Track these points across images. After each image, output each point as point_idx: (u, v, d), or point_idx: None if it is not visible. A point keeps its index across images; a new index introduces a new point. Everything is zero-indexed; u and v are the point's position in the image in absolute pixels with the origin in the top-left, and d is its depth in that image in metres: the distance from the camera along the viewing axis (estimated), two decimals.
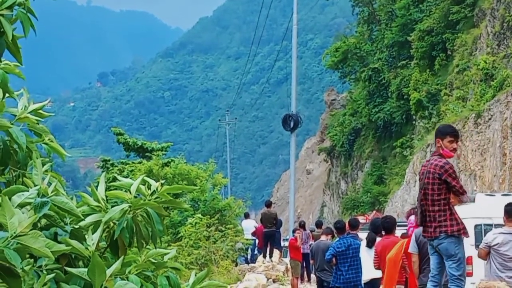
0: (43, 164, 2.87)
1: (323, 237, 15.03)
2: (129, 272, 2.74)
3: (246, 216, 26.76)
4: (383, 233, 10.87)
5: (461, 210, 11.70)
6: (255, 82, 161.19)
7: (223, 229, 22.82)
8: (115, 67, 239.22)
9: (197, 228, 22.26)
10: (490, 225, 12.23)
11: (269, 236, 21.49)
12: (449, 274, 7.69)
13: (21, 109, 3.04)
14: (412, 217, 10.41)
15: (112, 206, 2.81)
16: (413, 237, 9.28)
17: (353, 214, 36.33)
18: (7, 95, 2.92)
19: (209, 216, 23.57)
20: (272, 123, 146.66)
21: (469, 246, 11.73)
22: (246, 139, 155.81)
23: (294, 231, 21.99)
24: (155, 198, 2.87)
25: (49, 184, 2.77)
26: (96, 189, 2.88)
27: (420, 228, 8.22)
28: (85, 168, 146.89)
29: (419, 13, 39.53)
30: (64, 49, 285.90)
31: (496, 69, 26.86)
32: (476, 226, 12.83)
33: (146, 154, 32.88)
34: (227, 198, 30.51)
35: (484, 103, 25.37)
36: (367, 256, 11.44)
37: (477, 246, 11.32)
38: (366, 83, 44.55)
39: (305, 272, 21.95)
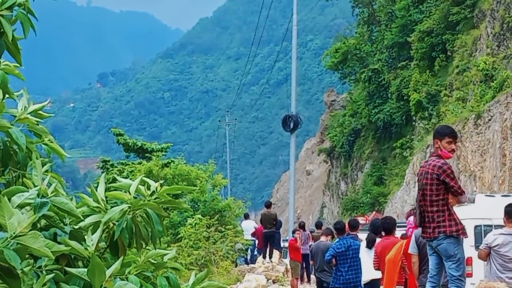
0: (43, 165, 2.87)
1: (323, 238, 15.03)
2: (129, 273, 2.74)
3: (246, 216, 26.76)
4: (383, 234, 10.87)
5: (461, 211, 11.73)
6: (255, 82, 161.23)
7: (223, 229, 22.82)
8: (115, 67, 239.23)
9: (196, 228, 22.26)
10: (490, 226, 12.24)
11: (269, 237, 21.49)
12: (449, 275, 7.69)
13: (21, 109, 3.04)
14: (411, 218, 10.42)
15: (112, 207, 2.81)
16: (413, 238, 9.28)
17: (353, 215, 36.34)
18: (7, 95, 2.92)
19: (209, 217, 23.56)
20: (272, 124, 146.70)
21: (468, 247, 11.75)
22: (246, 140, 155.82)
23: (294, 232, 22.00)
24: (155, 199, 2.87)
25: (49, 184, 2.77)
26: (96, 190, 2.88)
27: (420, 229, 8.23)
28: (85, 169, 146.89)
29: (419, 14, 39.54)
30: (64, 49, 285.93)
31: (496, 70, 26.87)
32: (476, 227, 12.84)
33: (146, 154, 32.87)
34: (227, 199, 30.52)
35: (484, 104, 25.38)
36: (367, 257, 11.44)
37: (477, 247, 11.33)
38: (366, 84, 44.56)
39: (304, 273, 21.96)
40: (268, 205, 22.25)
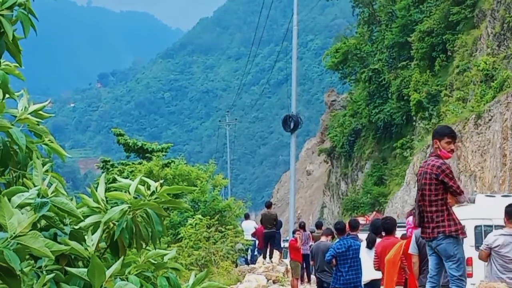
0: (43, 165, 2.87)
1: (323, 238, 15.03)
2: (129, 273, 2.74)
3: (246, 217, 26.77)
4: (383, 234, 10.87)
5: (461, 211, 11.74)
6: (255, 83, 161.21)
7: (223, 230, 22.83)
8: (115, 67, 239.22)
9: (197, 229, 22.26)
10: (490, 226, 12.23)
11: (269, 237, 21.48)
12: (449, 275, 7.69)
13: (21, 110, 3.04)
14: (410, 218, 10.41)
15: (112, 207, 2.81)
16: (413, 238, 9.28)
17: (353, 215, 36.35)
18: (7, 96, 2.92)
19: (209, 217, 23.57)
20: (272, 124, 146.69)
21: (469, 247, 11.75)
22: (246, 140, 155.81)
23: (294, 232, 21.99)
24: (155, 199, 2.87)
25: (50, 184, 2.77)
26: (96, 190, 2.88)
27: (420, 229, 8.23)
28: (85, 169, 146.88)
29: (419, 14, 39.54)
30: (64, 49, 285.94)
31: (496, 70, 26.87)
32: (476, 227, 12.84)
33: (146, 155, 32.87)
34: (227, 199, 30.52)
35: (484, 104, 25.37)
36: (367, 257, 11.43)
37: (477, 247, 11.33)
38: (366, 84, 44.56)
39: (305, 273, 21.95)
40: (269, 205, 22.25)
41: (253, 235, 24.56)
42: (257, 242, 24.41)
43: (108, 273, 2.54)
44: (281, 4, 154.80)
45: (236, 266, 22.73)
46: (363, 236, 12.94)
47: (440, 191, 7.69)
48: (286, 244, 24.66)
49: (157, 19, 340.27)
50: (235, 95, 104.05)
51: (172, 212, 24.92)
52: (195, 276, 2.93)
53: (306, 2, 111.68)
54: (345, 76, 50.19)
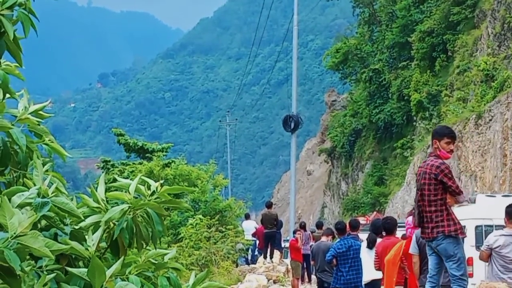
0: (44, 165, 2.87)
1: (323, 238, 15.03)
2: (129, 273, 2.74)
3: (247, 217, 26.78)
4: (384, 234, 10.87)
5: (462, 211, 11.74)
6: (255, 83, 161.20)
7: (224, 230, 22.84)
8: (116, 68, 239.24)
9: (197, 229, 22.27)
10: (491, 226, 12.24)
11: (269, 237, 21.49)
12: (450, 275, 7.69)
13: (22, 110, 3.04)
14: (410, 218, 10.41)
15: (113, 207, 2.81)
16: (413, 238, 9.28)
17: (353, 215, 36.35)
18: (7, 95, 2.92)
19: (209, 217, 23.58)
20: (273, 124, 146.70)
21: (469, 247, 11.75)
22: (246, 140, 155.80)
23: (294, 232, 21.99)
24: (155, 199, 2.87)
25: (50, 184, 2.78)
26: (96, 190, 2.88)
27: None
28: (86, 169, 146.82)
29: (419, 14, 39.54)
30: (65, 49, 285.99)
31: (497, 70, 26.86)
32: (476, 227, 12.84)
33: (147, 155, 32.85)
34: (227, 199, 30.54)
35: (484, 104, 25.37)
36: (367, 257, 11.43)
37: (477, 247, 11.33)
38: (366, 84, 44.56)
39: (305, 273, 21.94)
40: (269, 205, 22.26)
41: (254, 235, 24.56)
42: (257, 242, 24.41)
43: (109, 273, 2.54)
44: (281, 5, 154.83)
45: (237, 266, 22.75)
46: (363, 236, 12.94)
47: (439, 191, 7.70)
48: (287, 244, 24.67)
49: (157, 19, 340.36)
50: (235, 95, 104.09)
51: (173, 212, 24.92)
52: (196, 276, 2.93)
53: (307, 2, 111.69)
54: (346, 76, 50.18)
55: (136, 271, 2.78)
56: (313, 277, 19.99)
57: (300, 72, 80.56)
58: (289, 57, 42.87)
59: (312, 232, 23.04)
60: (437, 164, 7.70)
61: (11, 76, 2.91)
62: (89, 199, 2.87)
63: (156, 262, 2.90)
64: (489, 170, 23.90)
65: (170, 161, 31.37)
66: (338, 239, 12.97)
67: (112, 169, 31.79)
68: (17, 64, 2.96)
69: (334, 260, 12.25)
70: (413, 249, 9.26)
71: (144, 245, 2.86)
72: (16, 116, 3.01)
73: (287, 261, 22.85)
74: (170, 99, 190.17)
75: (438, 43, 35.78)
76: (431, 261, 7.93)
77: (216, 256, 21.18)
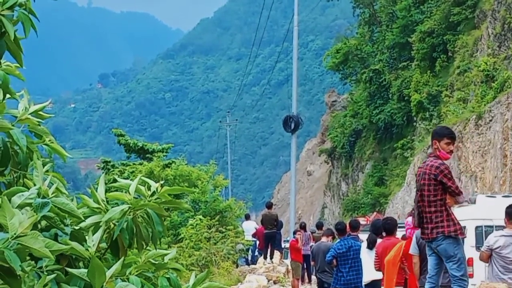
0: (44, 165, 2.87)
1: (323, 239, 15.02)
2: (130, 273, 2.74)
3: (247, 217, 26.78)
4: (384, 234, 10.87)
5: (462, 212, 11.74)
6: (256, 83, 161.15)
7: (224, 230, 22.84)
8: (116, 68, 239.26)
9: (197, 229, 22.27)
10: (491, 226, 12.23)
11: (269, 238, 21.49)
12: (451, 275, 7.69)
13: (22, 110, 3.04)
14: (410, 219, 10.41)
15: (113, 208, 2.81)
16: (414, 239, 9.28)
17: (353, 215, 36.34)
18: (7, 96, 2.92)
19: (209, 218, 23.58)
20: (273, 124, 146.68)
21: (469, 247, 11.75)
22: (246, 141, 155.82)
23: (294, 233, 21.99)
24: (155, 199, 2.87)
25: (51, 184, 2.78)
26: (96, 191, 2.88)
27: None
28: (86, 170, 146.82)
29: (420, 14, 39.54)
30: (65, 50, 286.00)
31: (497, 70, 26.86)
32: (477, 227, 12.84)
33: (147, 155, 32.84)
34: (228, 200, 30.54)
35: (484, 105, 25.37)
36: (367, 258, 11.42)
37: (477, 248, 11.33)
38: (367, 85, 44.56)
39: (305, 274, 21.93)
40: (269, 205, 22.26)
41: (254, 235, 24.56)
42: (257, 242, 24.41)
43: (109, 273, 2.54)
44: (281, 5, 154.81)
45: (237, 266, 22.75)
46: (363, 236, 12.94)
47: (439, 192, 7.70)
48: (287, 245, 24.66)
49: (157, 19, 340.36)
50: (235, 95, 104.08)
51: (173, 212, 24.92)
52: (196, 276, 2.93)
53: (307, 3, 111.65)
54: (346, 76, 50.17)
55: (137, 271, 2.78)
56: (313, 277, 19.98)
57: (301, 72, 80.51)
58: (289, 58, 42.91)
59: (312, 233, 23.03)
60: (437, 165, 7.70)
61: (11, 77, 2.91)
62: (89, 199, 2.87)
63: (156, 262, 2.90)
64: (489, 171, 23.90)
65: (170, 162, 31.37)
66: (338, 240, 12.97)
67: (112, 169, 31.79)
68: (17, 65, 2.97)
69: (334, 261, 12.25)
70: (413, 249, 9.26)
71: (144, 246, 2.86)
72: (16, 117, 3.01)
73: (287, 261, 22.85)
74: (170, 99, 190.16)
75: (439, 43, 35.79)
76: (431, 261, 7.93)
77: (216, 256, 21.18)
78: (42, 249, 2.40)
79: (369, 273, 11.46)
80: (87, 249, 2.67)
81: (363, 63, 46.74)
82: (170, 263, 2.95)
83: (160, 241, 2.90)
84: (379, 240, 11.04)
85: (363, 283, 11.93)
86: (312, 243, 20.27)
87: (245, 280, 18.41)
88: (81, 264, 2.70)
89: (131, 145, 33.56)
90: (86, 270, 2.54)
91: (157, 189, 2.89)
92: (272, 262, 21.54)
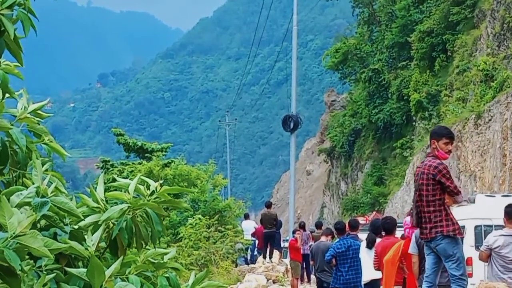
0: (43, 164, 2.87)
1: (323, 238, 15.02)
2: (129, 273, 2.74)
3: (246, 217, 26.77)
4: (383, 234, 10.87)
5: (461, 211, 11.74)
6: (255, 83, 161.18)
7: (223, 229, 22.84)
8: (115, 68, 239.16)
9: (197, 228, 22.27)
10: (490, 226, 12.23)
11: (269, 237, 21.49)
12: (450, 275, 7.70)
13: (21, 109, 3.04)
14: (408, 218, 10.42)
15: (112, 207, 2.81)
16: (413, 238, 9.28)
17: (353, 215, 36.34)
18: (7, 95, 2.92)
19: (208, 217, 23.57)
20: (272, 124, 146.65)
21: (468, 247, 11.75)
22: (246, 140, 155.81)
23: (294, 232, 22.00)
24: (155, 198, 2.87)
25: (50, 183, 2.77)
26: (95, 190, 2.88)
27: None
28: (85, 169, 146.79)
29: (419, 14, 39.55)
30: (64, 49, 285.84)
31: (496, 70, 26.86)
32: (476, 227, 12.83)
33: (146, 155, 32.86)
34: (227, 199, 30.54)
35: (484, 104, 25.37)
36: (367, 257, 11.43)
37: (477, 247, 11.33)
38: (366, 84, 44.56)
39: (305, 273, 21.95)
40: (268, 205, 22.26)
41: (253, 235, 24.56)
42: (257, 242, 24.41)
43: (108, 273, 2.54)
44: (281, 5, 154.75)
45: (236, 266, 22.74)
46: (363, 236, 12.94)
47: (437, 192, 7.70)
48: (286, 244, 24.66)
49: (157, 19, 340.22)
50: (235, 95, 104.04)
51: (172, 211, 24.92)
52: (195, 275, 2.93)
53: (306, 2, 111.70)
54: (345, 76, 50.19)
55: (136, 271, 2.78)
56: (313, 277, 20.01)
57: (300, 72, 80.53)
58: (288, 57, 42.91)
59: (311, 232, 23.04)
60: (435, 165, 7.70)
61: (10, 76, 2.91)
62: (88, 199, 2.87)
63: (156, 262, 2.90)
64: (488, 170, 23.91)
65: (170, 161, 31.38)
66: (338, 239, 12.97)
67: (111, 169, 31.80)
68: (16, 64, 2.96)
69: (334, 260, 12.25)
70: (412, 249, 9.26)
71: (144, 245, 2.86)
72: (15, 116, 3.01)
73: (287, 261, 22.85)
74: (169, 99, 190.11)
75: (438, 43, 35.79)
76: (429, 260, 7.94)
77: (216, 256, 21.19)
78: (41, 248, 2.40)
79: (368, 273, 11.47)
80: (86, 249, 2.66)
81: (362, 62, 46.75)
82: (170, 263, 2.95)
83: (159, 241, 2.90)
84: (378, 240, 11.05)
85: (362, 283, 11.93)
86: (311, 243, 20.27)
87: (244, 279, 18.42)
88: (80, 263, 2.70)
89: (130, 144, 33.57)
90: (85, 270, 2.54)
91: (156, 188, 2.89)
92: (271, 262, 21.53)
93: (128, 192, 2.85)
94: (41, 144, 3.12)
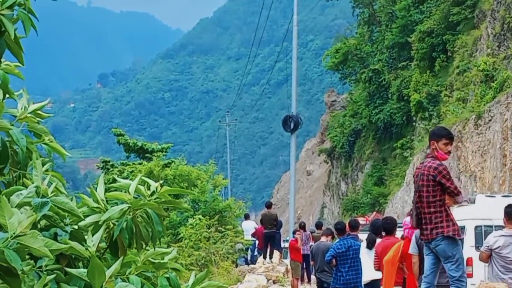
0: (43, 164, 2.87)
1: (323, 238, 15.02)
2: (129, 273, 2.74)
3: (246, 217, 26.77)
4: (383, 234, 10.87)
5: (461, 211, 11.74)
6: (255, 83, 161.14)
7: (223, 230, 22.84)
8: (116, 68, 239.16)
9: (197, 229, 22.27)
10: (491, 226, 12.23)
11: (269, 237, 21.49)
12: (449, 276, 7.70)
13: (21, 109, 3.04)
14: (407, 219, 10.41)
15: (112, 207, 2.81)
16: (413, 239, 9.28)
17: (353, 215, 36.34)
18: (7, 95, 2.92)
19: (209, 217, 23.57)
20: (272, 124, 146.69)
21: (469, 247, 11.75)
22: (246, 140, 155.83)
23: (294, 232, 21.99)
24: (155, 199, 2.86)
25: (50, 184, 2.77)
26: (96, 191, 2.88)
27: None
28: (85, 169, 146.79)
29: (419, 14, 39.54)
30: (64, 50, 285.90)
31: (496, 70, 26.86)
32: (476, 227, 12.83)
33: (147, 155, 32.87)
34: (227, 199, 30.54)
35: (484, 105, 25.37)
36: (367, 257, 11.43)
37: (477, 247, 11.33)
38: (366, 84, 44.56)
39: (305, 273, 21.94)
40: (269, 205, 22.26)
41: (253, 235, 24.56)
42: (257, 242, 24.41)
43: (108, 273, 2.53)
44: (281, 5, 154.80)
45: (236, 266, 22.75)
46: (363, 236, 12.94)
47: (437, 192, 7.70)
48: (286, 244, 24.66)
49: (157, 19, 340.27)
50: (235, 95, 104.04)
51: (172, 212, 24.93)
52: (195, 276, 2.93)
53: (306, 3, 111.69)
54: (345, 76, 50.19)
55: (136, 271, 2.78)
56: (313, 277, 20.00)
57: (300, 72, 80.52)
58: (288, 57, 42.89)
59: (311, 232, 23.04)
60: (435, 166, 7.70)
61: (10, 76, 2.91)
62: (88, 199, 2.87)
63: (156, 262, 2.90)
64: (488, 171, 23.91)
65: (170, 161, 31.38)
66: (338, 239, 12.97)
67: (111, 169, 31.81)
68: (17, 64, 2.96)
69: (334, 260, 12.25)
70: (413, 249, 9.26)
71: (144, 246, 2.86)
72: (15, 116, 3.01)
73: (287, 261, 22.85)
74: (169, 99, 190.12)
75: (438, 43, 35.78)
76: (428, 261, 7.94)
77: (216, 256, 21.19)
78: (41, 248, 2.40)
79: (369, 273, 11.47)
80: (87, 249, 2.66)
81: (363, 63, 46.75)
82: (170, 263, 2.95)
83: (159, 241, 2.90)
84: (378, 240, 11.05)
85: (363, 283, 11.93)
86: (311, 243, 20.27)
87: (244, 279, 18.42)
88: (80, 264, 2.70)
89: (130, 144, 33.58)
90: (85, 270, 2.53)
91: (156, 188, 2.89)
92: (271, 262, 21.53)
93: (129, 193, 2.85)
94: (41, 144, 3.12)
